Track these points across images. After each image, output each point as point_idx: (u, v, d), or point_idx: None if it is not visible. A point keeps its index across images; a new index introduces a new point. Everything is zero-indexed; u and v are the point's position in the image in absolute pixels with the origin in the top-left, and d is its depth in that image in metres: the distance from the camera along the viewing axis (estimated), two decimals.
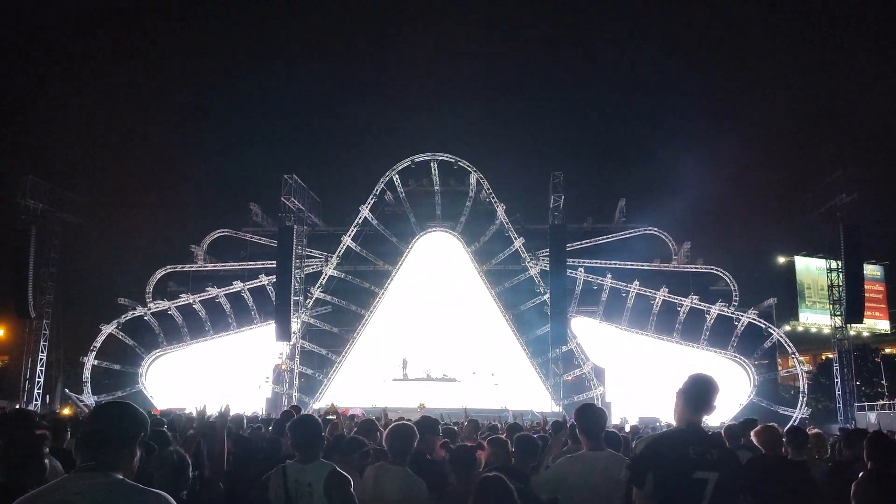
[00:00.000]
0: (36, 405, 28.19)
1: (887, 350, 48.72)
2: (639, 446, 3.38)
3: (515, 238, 34.51)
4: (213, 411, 8.10)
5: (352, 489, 4.16)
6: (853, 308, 28.55)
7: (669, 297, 33.59)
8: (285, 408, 21.98)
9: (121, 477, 2.41)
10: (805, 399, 31.49)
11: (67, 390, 30.52)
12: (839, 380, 29.42)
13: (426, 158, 34.56)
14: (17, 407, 23.76)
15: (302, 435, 4.38)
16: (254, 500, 4.38)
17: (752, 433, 6.02)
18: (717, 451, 3.31)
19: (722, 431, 8.42)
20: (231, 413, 9.60)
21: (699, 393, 3.47)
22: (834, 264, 29.52)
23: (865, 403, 31.12)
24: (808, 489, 5.07)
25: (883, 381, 36.35)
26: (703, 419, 3.48)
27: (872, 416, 27.45)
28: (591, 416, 4.55)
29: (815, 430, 9.99)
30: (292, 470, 4.25)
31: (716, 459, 3.25)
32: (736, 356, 32.61)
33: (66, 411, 26.98)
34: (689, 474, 3.19)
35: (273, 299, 32.55)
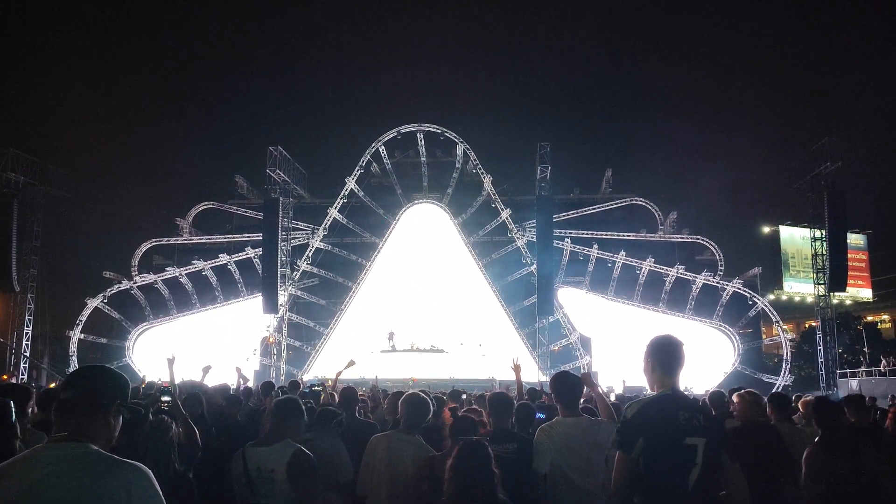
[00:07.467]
0: (23, 379, 28.08)
1: (869, 318, 49.39)
2: (629, 410, 3.25)
3: (502, 209, 34.41)
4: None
5: (317, 471, 3.97)
6: (836, 277, 28.78)
7: (655, 266, 33.78)
8: (270, 379, 21.97)
9: (95, 448, 2.24)
10: (788, 367, 31.98)
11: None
12: (822, 347, 29.81)
13: (412, 129, 34.22)
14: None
15: (278, 412, 4.24)
16: (224, 484, 4.23)
17: (734, 396, 6.05)
18: (703, 417, 3.24)
19: (706, 399, 8.51)
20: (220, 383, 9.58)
21: (669, 353, 3.35)
22: (818, 233, 29.66)
23: (847, 370, 31.55)
24: (780, 452, 5.10)
25: (865, 349, 36.76)
26: (680, 380, 3.34)
27: (854, 383, 27.83)
28: (564, 385, 4.56)
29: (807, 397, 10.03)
30: (253, 455, 4.02)
31: (702, 425, 3.18)
32: (721, 325, 32.94)
33: (53, 385, 26.88)
34: (681, 440, 3.11)
35: (259, 272, 32.44)
